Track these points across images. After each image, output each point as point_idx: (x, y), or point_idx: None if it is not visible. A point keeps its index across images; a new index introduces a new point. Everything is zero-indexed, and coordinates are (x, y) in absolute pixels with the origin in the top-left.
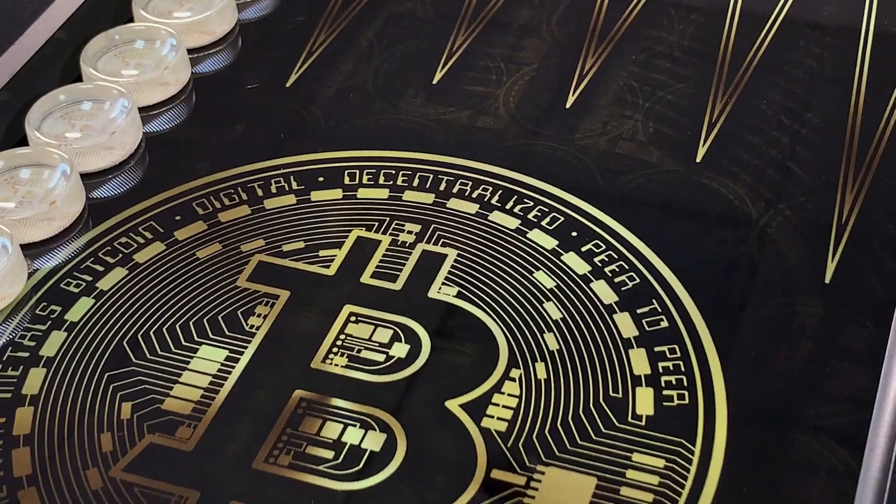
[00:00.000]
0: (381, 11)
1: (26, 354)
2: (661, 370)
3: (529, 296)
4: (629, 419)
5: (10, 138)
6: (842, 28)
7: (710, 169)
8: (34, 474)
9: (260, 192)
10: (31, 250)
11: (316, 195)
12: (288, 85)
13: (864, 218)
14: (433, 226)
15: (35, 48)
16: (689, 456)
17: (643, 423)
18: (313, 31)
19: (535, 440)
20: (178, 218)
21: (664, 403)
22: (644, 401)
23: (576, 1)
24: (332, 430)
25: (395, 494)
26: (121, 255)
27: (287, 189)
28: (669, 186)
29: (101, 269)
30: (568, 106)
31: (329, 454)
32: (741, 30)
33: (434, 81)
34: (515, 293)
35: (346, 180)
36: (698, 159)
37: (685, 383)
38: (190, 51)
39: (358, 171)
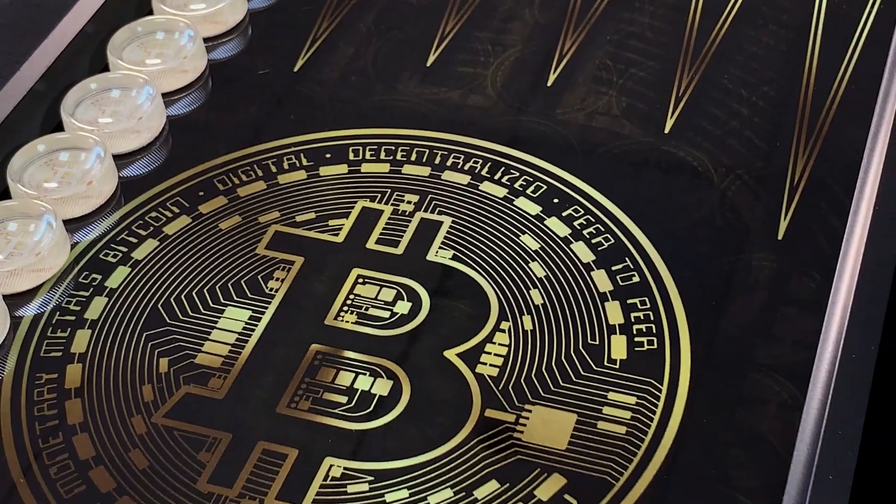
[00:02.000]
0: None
1: (73, 318)
2: (632, 320)
3: (517, 256)
4: (605, 363)
5: (48, 124)
6: (796, 8)
7: (676, 139)
8: (85, 422)
9: (274, 169)
10: (72, 225)
11: (324, 170)
12: (295, 70)
13: (812, 182)
14: (430, 196)
15: (66, 41)
16: (657, 394)
17: (617, 367)
18: (316, 20)
19: (523, 383)
20: (201, 193)
21: (635, 349)
22: (618, 347)
23: None
24: (345, 379)
25: (402, 433)
26: (152, 228)
27: (298, 165)
28: (640, 156)
29: (134, 240)
30: (549, 84)
31: (343, 399)
32: (705, 11)
33: (428, 64)
34: (504, 254)
35: (351, 156)
36: (666, 130)
37: (654, 331)
38: (205, 40)
39: (361, 148)
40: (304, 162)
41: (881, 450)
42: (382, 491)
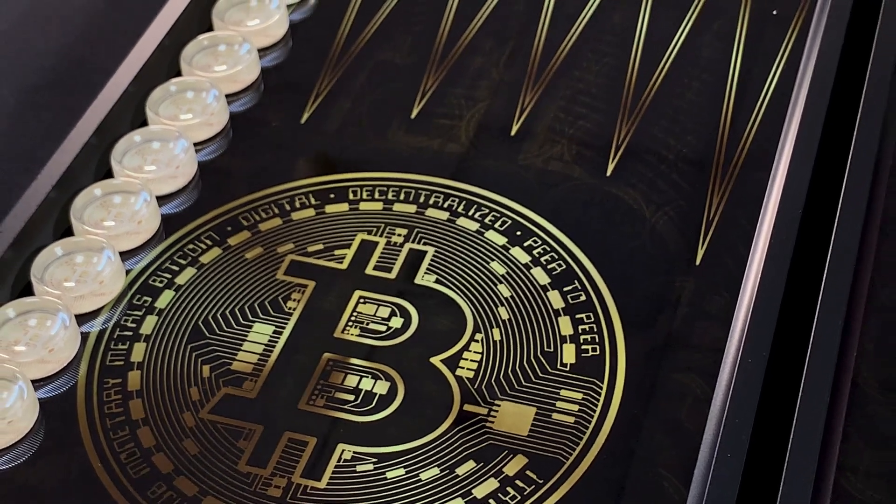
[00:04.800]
0: (370, 60)
1: (130, 333)
2: (580, 331)
3: (487, 280)
4: (558, 366)
5: (101, 170)
6: (714, 70)
7: (616, 181)
8: (146, 417)
9: (288, 207)
10: (125, 256)
11: (329, 208)
12: (302, 122)
13: (724, 217)
14: (416, 230)
15: (114, 99)
16: (599, 391)
17: (567, 369)
18: (318, 77)
19: (493, 383)
20: (229, 228)
21: (582, 355)
22: (568, 353)
23: (516, 49)
24: (351, 381)
25: (398, 423)
26: (190, 258)
27: (308, 204)
28: (587, 195)
29: (177, 268)
30: (512, 134)
31: (350, 397)
32: (640, 72)
33: (412, 116)
34: (477, 278)
35: (351, 196)
36: (608, 174)
37: (597, 340)
38: (227, 96)
39: (359, 189)
40: (313, 201)
41: (769, 433)
42: (384, 470)
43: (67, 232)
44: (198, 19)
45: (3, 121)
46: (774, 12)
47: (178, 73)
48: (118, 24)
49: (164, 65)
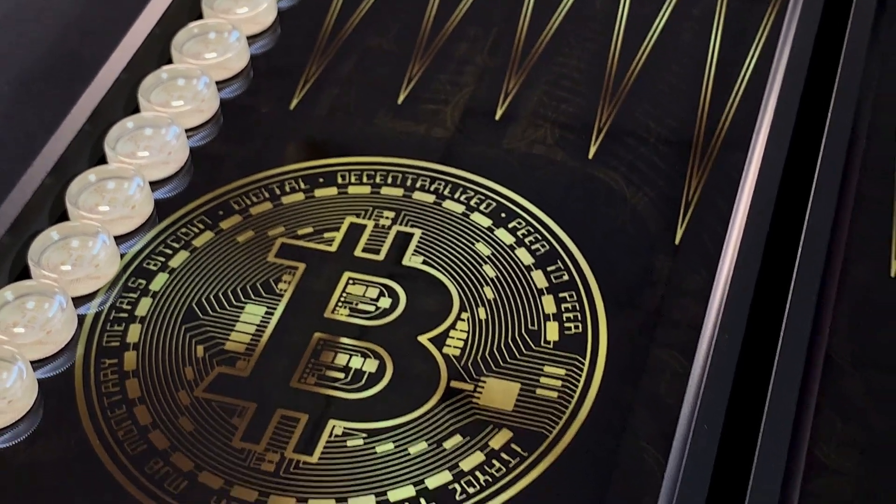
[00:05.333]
0: (357, 47)
1: (125, 315)
2: (563, 309)
3: (473, 261)
4: (541, 344)
5: (94, 156)
6: (693, 54)
7: (598, 164)
8: (142, 396)
9: (278, 192)
10: (120, 240)
11: (318, 192)
12: (291, 108)
13: (703, 198)
14: (403, 212)
15: (106, 87)
16: (581, 367)
17: (551, 346)
18: (306, 64)
19: (479, 360)
20: (221, 213)
21: (565, 332)
22: (551, 331)
23: (500, 35)
24: (341, 359)
25: (387, 400)
26: (183, 242)
27: (297, 188)
28: (570, 177)
29: (170, 252)
30: (497, 118)
31: (341, 375)
32: (622, 55)
33: (399, 102)
34: (463, 259)
35: (339, 180)
36: (590, 157)
37: (579, 318)
38: (217, 83)
39: (347, 173)
40: (302, 186)
41: (744, 406)
42: (374, 444)
43: (63, 217)
44: (188, 8)
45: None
46: None
47: (170, 61)
48: (109, 13)
49: (156, 53)
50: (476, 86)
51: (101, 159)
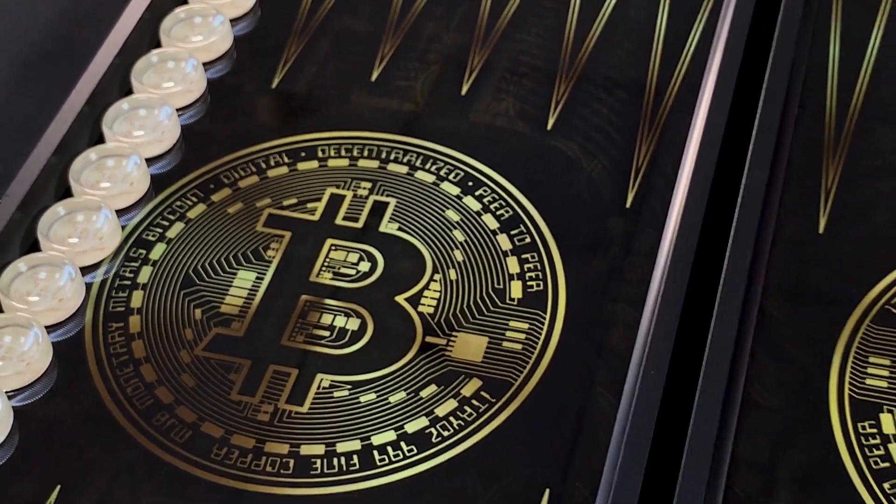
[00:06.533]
0: (333, 28)
1: (128, 282)
2: (525, 269)
3: (443, 226)
4: (506, 301)
5: (93, 136)
6: (642, 28)
7: (556, 134)
8: (147, 356)
9: (263, 166)
10: (121, 214)
11: (301, 166)
12: (273, 87)
13: (651, 163)
14: (379, 183)
15: (101, 71)
16: (542, 321)
17: (515, 303)
18: (286, 45)
19: (450, 317)
20: (212, 186)
21: (527, 290)
22: (515, 289)
23: (464, 16)
24: (326, 319)
25: (368, 355)
26: (178, 214)
27: (281, 162)
28: (530, 147)
29: (167, 223)
30: (463, 94)
31: (326, 333)
32: (576, 33)
33: (372, 79)
34: (434, 225)
35: (320, 154)
36: (548, 128)
37: (540, 277)
38: (204, 65)
39: (327, 147)
40: (286, 160)
41: (687, 353)
42: (358, 395)
43: (67, 193)
44: None
45: (0, 93)
46: None
47: (159, 45)
48: (100, 0)
49: (146, 37)
50: (443, 63)
51: (100, 139)
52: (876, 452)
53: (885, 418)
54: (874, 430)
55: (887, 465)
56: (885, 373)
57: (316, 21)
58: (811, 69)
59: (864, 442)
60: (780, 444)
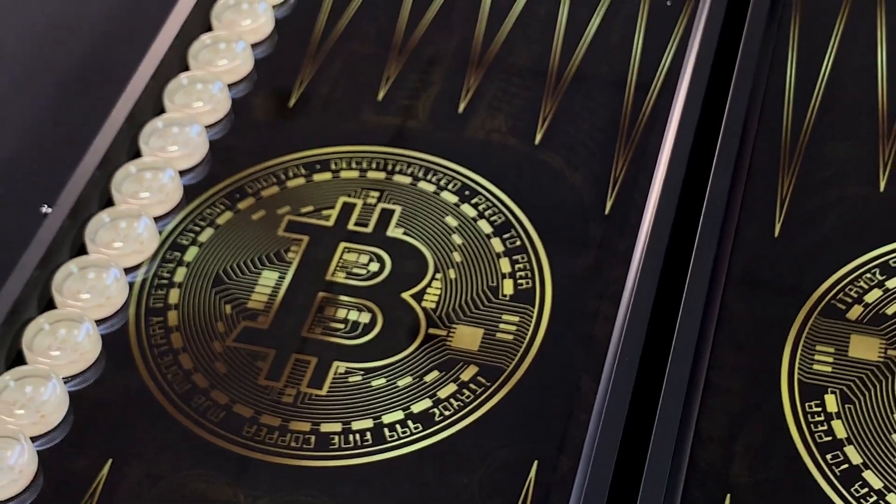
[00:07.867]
0: (343, 51)
1: (166, 281)
2: (516, 269)
3: (443, 231)
4: (500, 296)
5: (131, 152)
6: (620, 51)
7: (543, 147)
8: (184, 346)
9: (283, 177)
10: (158, 221)
11: (316, 177)
12: (291, 106)
13: (627, 174)
14: (386, 192)
15: (138, 92)
16: (531, 315)
17: (507, 299)
18: (301, 67)
19: (450, 311)
20: (237, 196)
21: (518, 287)
22: (507, 286)
23: (461, 40)
24: (342, 313)
25: (379, 345)
26: (209, 220)
27: (299, 174)
28: (521, 160)
29: (198, 229)
30: (460, 111)
31: (341, 326)
32: (562, 56)
33: (379, 98)
34: (435, 230)
35: (333, 167)
36: (537, 142)
37: (529, 276)
38: (228, 86)
39: (339, 160)
40: (303, 172)
41: (657, 344)
42: (370, 379)
43: (110, 202)
44: (199, 22)
45: (45, 112)
46: (669, 3)
47: (187, 68)
48: (134, 28)
49: (176, 61)
50: (442, 83)
51: (137, 153)
52: (820, 428)
53: (829, 399)
54: (819, 409)
55: (829, 438)
56: (830, 359)
57: (328, 45)
58: (769, 90)
59: (811, 419)
60: (737, 422)
